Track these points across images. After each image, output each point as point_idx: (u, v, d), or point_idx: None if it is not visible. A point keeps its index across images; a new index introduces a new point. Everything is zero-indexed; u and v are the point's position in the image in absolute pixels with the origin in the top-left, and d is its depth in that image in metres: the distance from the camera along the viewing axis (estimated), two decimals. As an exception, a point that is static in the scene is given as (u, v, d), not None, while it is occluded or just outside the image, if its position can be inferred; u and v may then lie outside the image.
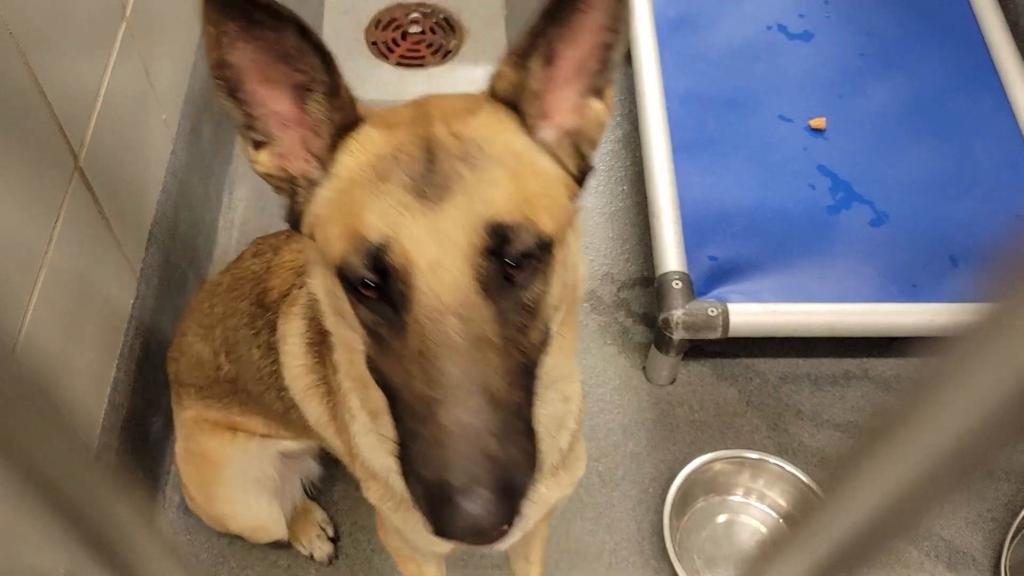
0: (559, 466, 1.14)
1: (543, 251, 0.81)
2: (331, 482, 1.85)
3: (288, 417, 1.37)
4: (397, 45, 2.62)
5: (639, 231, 2.30)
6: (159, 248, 1.84)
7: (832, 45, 2.37)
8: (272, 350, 1.29)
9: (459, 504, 0.70)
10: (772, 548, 0.29)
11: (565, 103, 0.89)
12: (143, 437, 1.78)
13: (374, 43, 2.62)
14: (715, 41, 2.35)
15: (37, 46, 1.36)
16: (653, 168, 2.08)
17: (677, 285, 1.89)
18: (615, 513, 1.87)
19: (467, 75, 2.55)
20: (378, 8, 2.69)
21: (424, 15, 2.68)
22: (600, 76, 0.88)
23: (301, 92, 0.82)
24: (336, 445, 1.27)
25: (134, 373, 1.70)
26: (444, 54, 2.61)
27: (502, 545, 1.19)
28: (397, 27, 2.65)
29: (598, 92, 0.89)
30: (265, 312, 1.31)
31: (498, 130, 0.85)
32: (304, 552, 1.79)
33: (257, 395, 1.43)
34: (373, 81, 2.54)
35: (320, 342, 1.16)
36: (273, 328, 1.28)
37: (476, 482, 0.70)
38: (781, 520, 1.85)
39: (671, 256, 1.94)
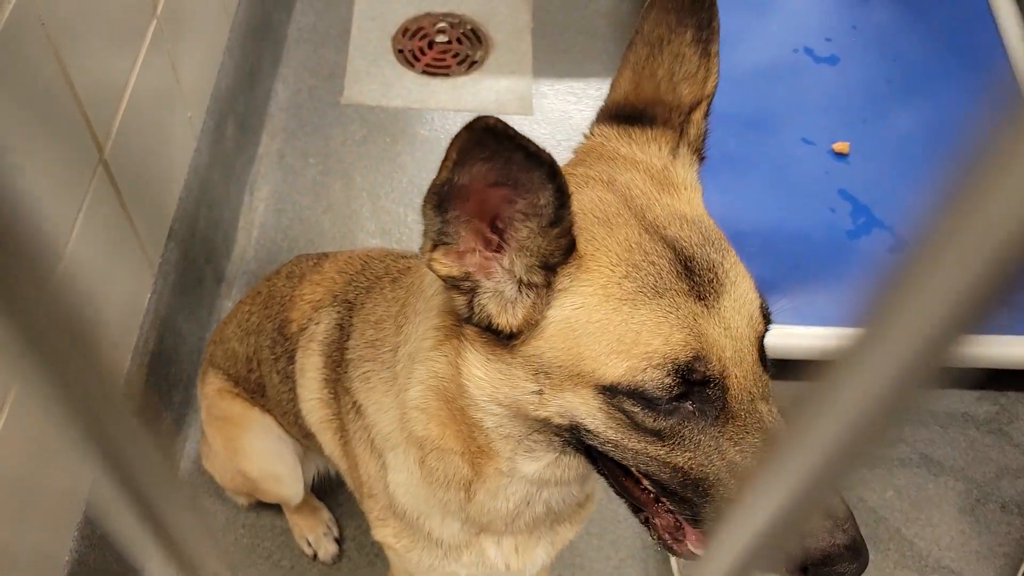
0: (583, 503, 1.16)
1: None
2: (338, 485, 1.85)
3: (309, 440, 1.39)
4: (423, 54, 2.63)
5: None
6: (178, 244, 1.85)
7: (858, 70, 2.36)
8: (289, 379, 1.31)
9: (848, 566, 0.80)
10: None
11: None
12: (156, 429, 1.79)
13: (400, 51, 2.63)
14: (740, 60, 2.34)
15: (68, 38, 1.37)
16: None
17: (692, 303, 1.88)
18: (620, 529, 1.86)
19: (492, 86, 2.56)
20: (406, 16, 2.71)
21: (451, 25, 2.69)
22: None
23: (513, 215, 0.77)
24: (347, 477, 1.28)
25: (147, 367, 1.71)
26: (469, 64, 2.62)
27: None
28: (424, 36, 2.67)
29: None
30: (285, 341, 1.32)
31: (697, 202, 0.90)
32: (308, 551, 1.79)
33: (280, 413, 1.45)
34: (398, 88, 2.56)
35: (336, 380, 1.16)
36: (291, 358, 1.29)
37: (853, 538, 0.80)
38: (788, 544, 1.83)
39: (687, 274, 1.93)
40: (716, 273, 0.81)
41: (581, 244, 0.79)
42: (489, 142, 0.68)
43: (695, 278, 0.80)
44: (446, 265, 0.80)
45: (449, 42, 2.66)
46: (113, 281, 1.62)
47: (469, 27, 2.70)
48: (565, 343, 0.80)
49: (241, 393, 1.55)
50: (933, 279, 0.22)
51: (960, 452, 2.02)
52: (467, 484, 1.00)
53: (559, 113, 2.51)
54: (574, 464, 0.96)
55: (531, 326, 0.81)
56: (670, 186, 0.88)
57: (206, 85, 2.07)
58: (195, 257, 1.95)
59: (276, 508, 1.84)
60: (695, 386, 0.79)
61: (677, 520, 0.90)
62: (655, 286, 0.78)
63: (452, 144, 0.68)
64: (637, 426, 0.81)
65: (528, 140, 0.68)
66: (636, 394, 0.79)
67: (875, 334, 0.24)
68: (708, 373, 0.78)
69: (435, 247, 0.79)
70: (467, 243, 0.80)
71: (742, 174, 2.14)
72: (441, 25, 2.69)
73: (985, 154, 0.20)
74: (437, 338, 0.91)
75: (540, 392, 0.83)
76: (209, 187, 2.03)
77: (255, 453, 1.56)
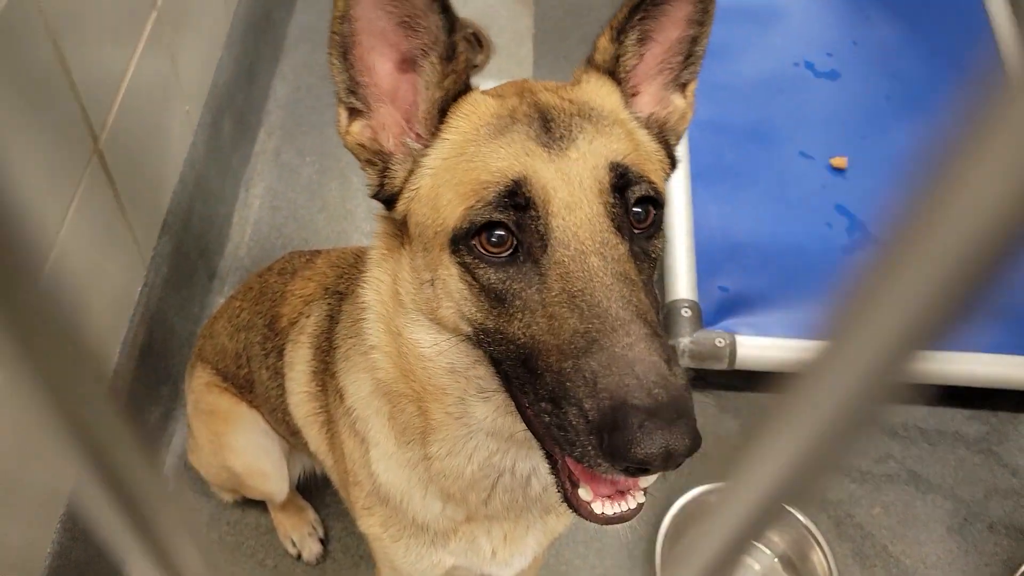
0: None
1: (657, 206, 0.84)
2: (324, 485, 1.84)
3: (295, 437, 1.38)
4: (424, 56, 2.63)
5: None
6: (171, 238, 1.84)
7: (858, 86, 2.37)
8: (278, 374, 1.30)
9: (647, 425, 0.66)
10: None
11: (649, 91, 0.94)
12: (141, 425, 1.77)
13: (401, 52, 2.63)
14: (741, 72, 2.35)
15: (67, 26, 1.36)
16: (669, 193, 2.07)
17: (686, 313, 1.88)
18: (607, 538, 1.85)
19: (491, 90, 2.55)
20: (408, 18, 2.70)
21: (453, 28, 2.69)
22: (683, 70, 0.93)
23: (413, 58, 0.84)
24: (333, 473, 1.27)
25: (136, 360, 1.70)
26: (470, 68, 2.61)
27: (508, 573, 1.18)
28: (425, 38, 2.66)
29: (680, 87, 0.94)
30: (275, 336, 1.32)
31: (604, 95, 0.89)
32: (293, 551, 1.78)
33: (267, 410, 1.44)
34: (397, 89, 2.55)
35: (324, 371, 1.16)
36: (280, 353, 1.30)
37: (659, 402, 0.67)
38: (776, 559, 1.82)
39: (682, 284, 1.93)
40: (571, 130, 0.82)
41: (472, 98, 0.85)
42: None
43: (550, 134, 0.81)
44: (357, 136, 0.86)
45: (450, 45, 2.66)
46: (104, 273, 1.60)
47: (470, 31, 2.69)
48: (430, 198, 0.84)
49: (229, 388, 1.54)
50: (891, 293, 0.22)
51: (949, 471, 2.02)
52: (422, 435, 0.98)
53: (558, 119, 2.51)
54: None
55: (413, 191, 0.86)
56: (570, 84, 0.91)
57: (204, 80, 2.06)
58: (188, 251, 1.94)
59: (261, 506, 1.82)
60: (518, 212, 0.78)
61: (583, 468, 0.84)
62: (503, 128, 0.82)
63: None
64: (483, 290, 0.80)
65: None
66: (470, 233, 0.79)
67: (836, 347, 0.24)
68: (530, 196, 0.78)
69: (351, 119, 0.86)
70: (380, 119, 0.86)
71: (740, 185, 2.14)
72: (443, 28, 2.68)
73: (950, 163, 0.19)
74: (380, 255, 0.94)
75: (432, 282, 0.85)
76: (204, 182, 2.02)
77: (241, 448, 1.55)
